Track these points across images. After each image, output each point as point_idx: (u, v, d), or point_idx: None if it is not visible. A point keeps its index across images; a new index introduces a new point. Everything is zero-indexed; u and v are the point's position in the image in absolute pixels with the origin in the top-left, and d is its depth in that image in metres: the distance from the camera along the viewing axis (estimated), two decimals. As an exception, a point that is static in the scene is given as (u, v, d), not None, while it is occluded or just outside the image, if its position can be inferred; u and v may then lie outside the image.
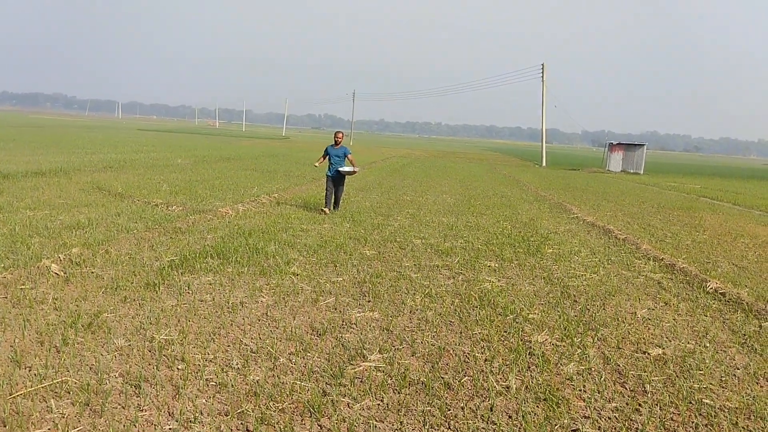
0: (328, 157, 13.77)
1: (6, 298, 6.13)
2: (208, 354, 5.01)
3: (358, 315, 6.32)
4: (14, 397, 4.06)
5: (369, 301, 6.86)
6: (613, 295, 7.80)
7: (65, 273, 7.11)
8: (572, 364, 5.23)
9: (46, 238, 8.98)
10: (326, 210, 13.39)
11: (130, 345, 5.08)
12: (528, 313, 6.71)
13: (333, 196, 13.78)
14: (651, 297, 7.89)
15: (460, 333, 5.95)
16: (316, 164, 14.41)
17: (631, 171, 50.18)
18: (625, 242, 12.00)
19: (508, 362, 5.21)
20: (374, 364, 4.98)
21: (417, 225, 12.76)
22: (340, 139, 13.62)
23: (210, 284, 7.11)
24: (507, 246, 10.84)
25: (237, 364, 4.84)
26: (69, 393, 4.17)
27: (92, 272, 7.26)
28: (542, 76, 57.28)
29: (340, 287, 7.36)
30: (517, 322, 6.38)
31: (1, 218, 10.30)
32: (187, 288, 6.88)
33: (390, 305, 6.75)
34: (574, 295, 7.68)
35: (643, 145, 52.23)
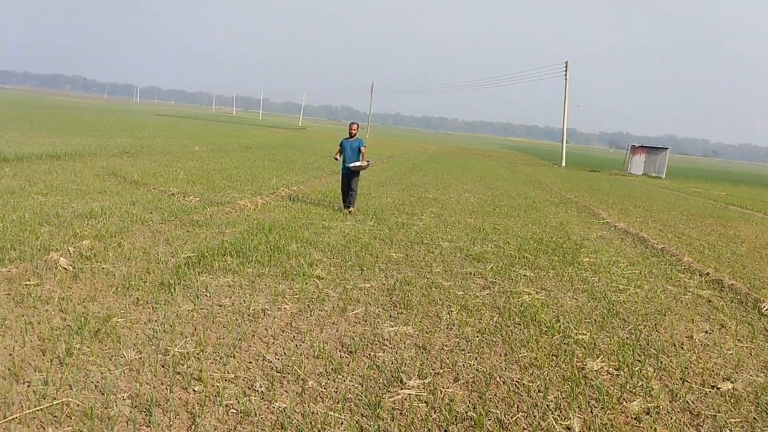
0: (340, 150, 12.97)
1: (9, 295, 5.63)
2: (228, 372, 4.46)
3: (391, 329, 5.76)
4: (8, 421, 3.53)
5: (401, 313, 6.29)
6: (664, 315, 7.17)
7: (74, 268, 6.60)
8: (637, 400, 4.64)
9: (56, 227, 8.49)
10: (346, 210, 12.69)
11: (141, 358, 4.55)
12: (576, 334, 6.11)
13: (348, 195, 12.91)
14: (704, 318, 7.26)
15: (505, 355, 5.37)
16: (336, 157, 13.36)
17: (653, 174, 49.19)
18: (663, 253, 11.34)
19: (564, 395, 4.62)
20: (414, 392, 4.41)
21: (442, 226, 12.18)
22: (354, 131, 12.78)
23: (229, 286, 6.57)
24: (540, 253, 10.23)
25: (261, 386, 4.29)
26: (70, 418, 3.64)
27: (103, 268, 6.74)
28: (565, 74, 56.29)
29: (368, 295, 6.80)
30: (565, 344, 5.79)
31: (12, 203, 9.84)
32: (204, 290, 6.35)
33: (424, 318, 6.18)
34: (622, 313, 7.07)
35: (666, 148, 51.20)
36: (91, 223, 8.95)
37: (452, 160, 43.58)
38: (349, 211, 12.52)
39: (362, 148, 12.82)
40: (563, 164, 55.72)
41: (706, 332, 6.69)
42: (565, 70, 56.47)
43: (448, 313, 6.41)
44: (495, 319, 6.39)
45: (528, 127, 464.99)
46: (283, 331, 5.44)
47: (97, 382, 4.11)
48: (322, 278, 7.25)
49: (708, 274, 9.63)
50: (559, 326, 6.29)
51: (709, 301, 8.09)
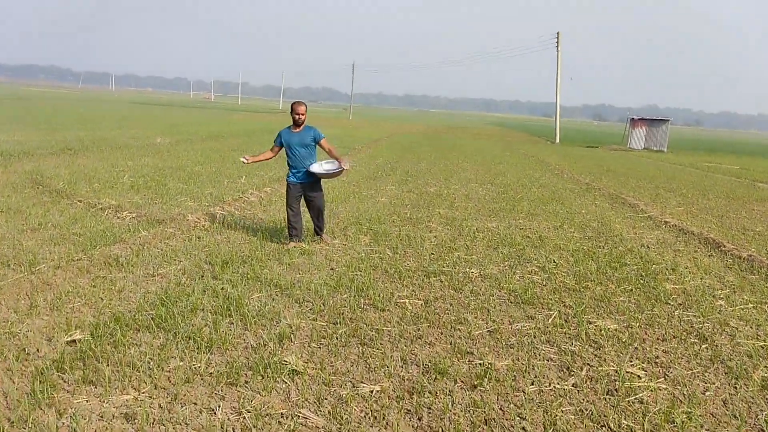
0: (278, 149, 8.08)
1: None
2: None
3: None
4: None
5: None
6: None
7: None
8: None
9: None
10: (292, 244, 7.87)
11: None
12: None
13: (301, 218, 8.09)
14: None
15: None
16: (244, 160, 8.24)
17: (655, 148, 46.45)
18: (757, 266, 8.47)
19: None
20: None
21: (460, 237, 9.24)
22: (301, 116, 7.74)
23: (126, 417, 3.61)
24: (604, 279, 7.35)
25: None
26: None
27: None
28: (557, 46, 53.30)
29: (376, 414, 3.86)
30: None
31: None
32: (73, 436, 3.38)
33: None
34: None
35: (667, 120, 48.49)
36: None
37: (443, 141, 40.56)
38: (292, 245, 7.85)
39: (323, 142, 7.89)
40: (557, 140, 52.93)
41: None
42: (557, 42, 53.45)
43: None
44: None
45: (511, 103, 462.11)
46: None
47: None
48: (298, 373, 4.30)
49: None
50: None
51: None
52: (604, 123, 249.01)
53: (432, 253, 8.09)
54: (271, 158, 8.28)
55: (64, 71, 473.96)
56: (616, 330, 5.61)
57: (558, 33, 53.43)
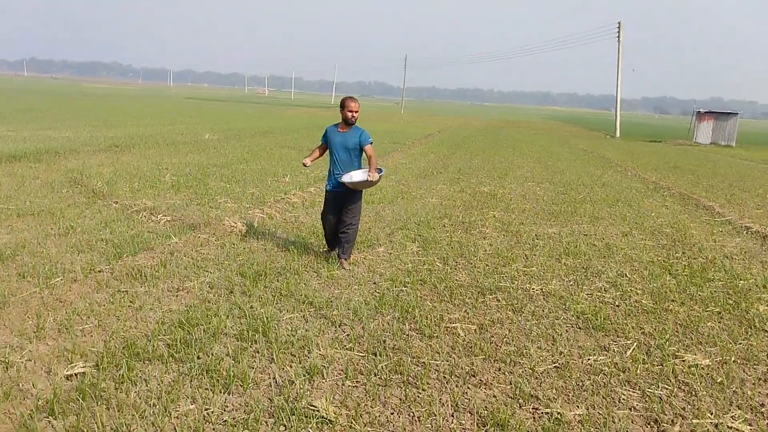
0: (325, 147, 6.92)
1: None
2: None
3: None
4: None
5: None
6: None
7: None
8: None
9: None
10: (333, 253, 7.11)
11: None
12: None
13: (336, 231, 6.96)
14: None
15: None
16: (307, 162, 6.84)
17: (723, 143, 44.06)
18: None
19: None
20: None
21: (517, 245, 8.40)
22: (354, 114, 6.60)
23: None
24: (686, 298, 6.42)
25: None
26: None
27: None
28: (618, 37, 51.17)
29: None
30: None
31: None
32: None
33: None
34: None
35: (736, 113, 45.93)
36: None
37: (497, 136, 39.37)
38: (340, 263, 6.84)
39: (367, 148, 6.71)
40: (618, 135, 50.89)
41: None
42: (618, 32, 51.31)
43: None
44: None
45: (567, 95, 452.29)
46: None
47: None
48: (329, 422, 3.59)
49: None
50: None
51: None
52: (666, 116, 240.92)
53: (487, 265, 7.29)
54: (320, 157, 7.13)
55: (126, 68, 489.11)
56: (708, 367, 4.72)
57: (619, 23, 51.28)
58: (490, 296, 6.13)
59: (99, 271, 5.99)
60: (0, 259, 6.18)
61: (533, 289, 6.44)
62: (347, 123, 6.64)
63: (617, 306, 6.07)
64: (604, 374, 4.49)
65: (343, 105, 6.66)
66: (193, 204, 9.88)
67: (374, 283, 6.33)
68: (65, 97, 62.81)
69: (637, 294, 6.49)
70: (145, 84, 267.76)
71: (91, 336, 4.58)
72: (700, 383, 4.45)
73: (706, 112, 46.10)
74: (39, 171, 12.10)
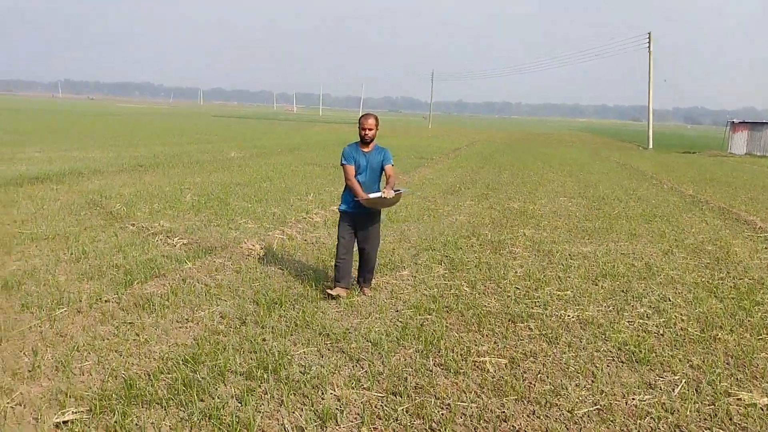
0: (353, 170, 6.18)
1: None
2: None
3: None
4: None
5: None
6: None
7: None
8: None
9: None
10: (337, 290, 6.18)
11: None
12: None
13: (351, 259, 6.36)
14: None
15: None
16: (365, 196, 6.06)
17: (758, 154, 42.74)
18: None
19: None
20: None
21: (550, 266, 7.92)
22: (369, 131, 6.09)
23: None
24: (735, 323, 5.88)
25: None
26: None
27: None
28: (648, 47, 50.26)
29: None
30: None
31: None
32: None
33: None
34: None
35: (773, 122, 44.57)
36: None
37: (526, 149, 38.74)
38: (335, 294, 6.15)
39: (388, 167, 6.25)
40: (650, 146, 49.82)
41: None
42: (648, 43, 50.40)
43: None
44: None
45: (597, 107, 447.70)
46: None
47: None
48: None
49: None
50: None
51: None
52: (698, 126, 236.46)
53: (517, 288, 6.83)
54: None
55: (157, 87, 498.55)
56: (767, 407, 4.20)
57: (649, 33, 50.39)
58: (522, 324, 5.67)
59: (106, 301, 5.68)
60: (5, 289, 5.92)
61: (569, 315, 5.97)
62: (364, 141, 6.20)
63: (661, 335, 5.56)
64: (652, 418, 4.00)
65: (362, 123, 6.18)
66: (212, 225, 9.60)
67: (397, 311, 5.92)
68: (97, 117, 63.82)
69: (682, 321, 5.96)
70: (176, 102, 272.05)
71: (89, 375, 4.25)
72: (760, 427, 3.93)
73: (740, 122, 44.86)
74: (60, 193, 11.98)
